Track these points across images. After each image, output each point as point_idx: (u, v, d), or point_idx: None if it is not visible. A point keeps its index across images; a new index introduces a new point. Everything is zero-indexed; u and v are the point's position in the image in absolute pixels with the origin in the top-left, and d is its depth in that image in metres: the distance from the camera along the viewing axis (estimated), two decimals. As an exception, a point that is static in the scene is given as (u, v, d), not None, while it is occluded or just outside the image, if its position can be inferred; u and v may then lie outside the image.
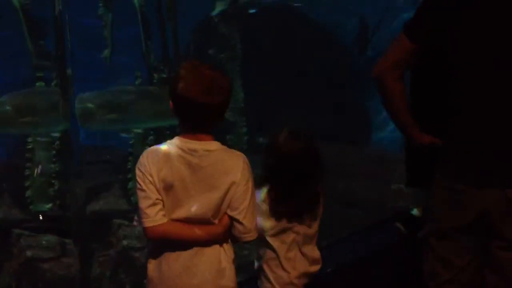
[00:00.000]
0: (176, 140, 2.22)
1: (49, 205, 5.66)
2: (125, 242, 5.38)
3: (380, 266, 3.47)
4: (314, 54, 7.29)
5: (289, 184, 2.43)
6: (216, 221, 2.22)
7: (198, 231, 2.20)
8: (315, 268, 2.55)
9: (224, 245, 2.27)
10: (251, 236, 2.25)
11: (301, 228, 2.48)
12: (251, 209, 2.23)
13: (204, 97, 2.13)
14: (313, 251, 2.53)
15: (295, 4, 7.36)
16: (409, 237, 3.46)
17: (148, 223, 2.17)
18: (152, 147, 2.26)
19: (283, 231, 2.46)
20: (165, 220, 2.18)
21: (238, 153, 2.28)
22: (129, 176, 5.74)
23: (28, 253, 5.35)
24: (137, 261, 5.22)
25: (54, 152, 5.70)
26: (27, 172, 5.66)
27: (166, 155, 2.19)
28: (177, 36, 6.32)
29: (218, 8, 6.97)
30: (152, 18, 6.27)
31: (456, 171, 2.36)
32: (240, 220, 2.21)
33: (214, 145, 2.23)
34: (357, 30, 8.28)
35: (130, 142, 5.92)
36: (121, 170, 6.00)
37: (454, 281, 2.46)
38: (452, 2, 2.29)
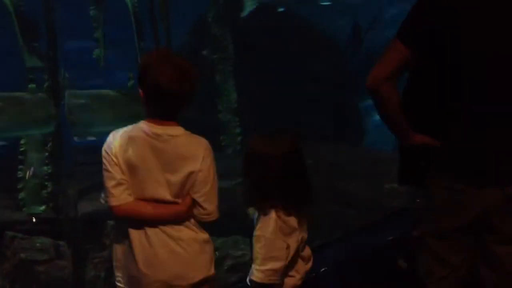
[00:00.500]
0: (142, 124, 2.32)
1: (43, 207, 5.64)
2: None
3: (373, 265, 3.48)
4: (307, 54, 7.29)
5: (271, 184, 2.31)
6: (179, 201, 2.32)
7: (162, 209, 2.30)
8: (310, 265, 2.55)
9: (191, 225, 2.38)
10: (211, 217, 2.37)
11: (301, 233, 2.44)
12: (212, 192, 2.34)
13: (173, 85, 2.22)
14: (307, 250, 2.54)
15: (279, 10, 7.35)
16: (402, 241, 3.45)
17: (113, 201, 2.27)
18: (118, 130, 2.34)
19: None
20: (130, 199, 2.27)
21: (201, 138, 2.37)
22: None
23: (22, 255, 5.32)
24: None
25: (46, 154, 5.67)
26: (19, 175, 5.63)
27: (131, 138, 2.29)
28: (170, 37, 6.31)
29: (248, 7, 7.00)
30: (145, 19, 6.26)
31: (456, 171, 2.36)
32: (201, 203, 2.32)
33: (178, 130, 2.32)
34: (349, 30, 8.29)
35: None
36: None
37: (449, 278, 2.47)
38: (445, 3, 2.29)
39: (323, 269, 3.32)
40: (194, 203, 2.34)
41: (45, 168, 5.65)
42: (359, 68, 8.10)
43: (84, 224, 5.55)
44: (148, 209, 2.30)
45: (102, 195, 2.35)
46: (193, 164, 2.30)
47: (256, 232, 2.33)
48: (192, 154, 2.31)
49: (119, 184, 2.27)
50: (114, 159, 2.28)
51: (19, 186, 5.61)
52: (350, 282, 3.34)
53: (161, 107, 2.29)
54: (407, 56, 2.32)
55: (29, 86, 5.80)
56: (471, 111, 2.32)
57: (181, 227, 2.36)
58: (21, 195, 5.61)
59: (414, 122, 2.43)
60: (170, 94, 2.24)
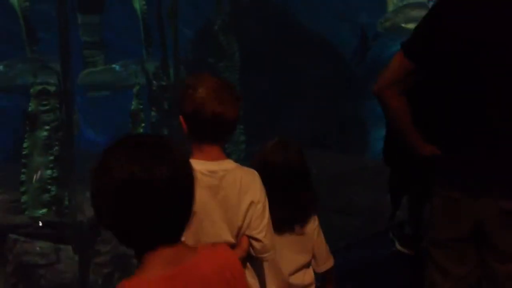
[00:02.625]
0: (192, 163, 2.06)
1: (44, 211, 5.64)
2: (123, 248, 5.35)
3: (379, 275, 3.47)
4: (313, 63, 7.31)
5: (277, 193, 2.29)
6: (234, 241, 2.09)
7: None
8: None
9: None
10: (271, 254, 2.13)
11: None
12: (269, 226, 2.13)
13: (223, 107, 2.00)
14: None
15: None
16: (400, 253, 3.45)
17: None
18: None
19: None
20: None
21: (252, 170, 2.16)
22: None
23: (24, 258, 5.33)
24: (133, 267, 5.19)
25: (52, 157, 5.69)
26: (22, 178, 5.65)
27: None
28: (178, 44, 6.33)
29: None
30: (153, 25, 6.30)
31: (453, 180, 2.37)
32: (261, 239, 2.09)
33: (230, 164, 2.10)
34: (354, 39, 8.31)
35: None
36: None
37: None
38: (450, 21, 2.31)
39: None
40: (250, 243, 2.09)
41: (49, 171, 5.65)
42: (365, 75, 8.14)
43: (89, 228, 5.54)
44: None
45: None
46: (250, 197, 2.07)
47: None
48: (248, 188, 2.08)
49: None
50: None
51: (22, 189, 5.62)
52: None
53: (207, 135, 2.04)
54: (410, 68, 2.35)
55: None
56: (467, 120, 2.33)
57: None
58: (24, 198, 5.61)
59: (422, 133, 2.44)
60: (216, 118, 2.00)
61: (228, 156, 2.18)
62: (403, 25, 7.65)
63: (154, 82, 6.23)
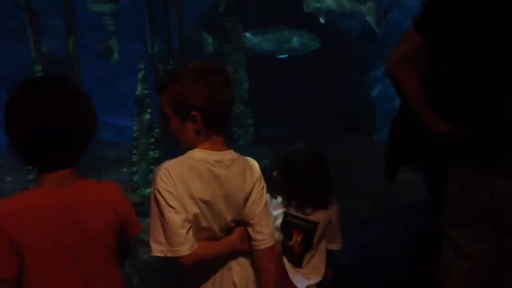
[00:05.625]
0: (197, 153, 2.09)
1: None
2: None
3: (395, 257, 3.46)
4: (320, 44, 7.24)
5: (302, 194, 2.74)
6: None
7: (223, 245, 2.12)
8: None
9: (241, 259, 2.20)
10: (267, 242, 2.16)
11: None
12: (265, 214, 2.17)
13: (223, 94, 2.06)
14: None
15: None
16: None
17: (185, 250, 2.00)
18: (171, 164, 2.07)
19: None
20: (196, 243, 2.04)
21: (253, 159, 2.22)
22: (134, 169, 5.87)
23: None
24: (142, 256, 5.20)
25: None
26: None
27: (194, 171, 2.04)
28: (183, 27, 6.29)
29: None
30: (158, 9, 6.25)
31: (469, 159, 2.34)
32: (255, 226, 2.15)
33: (232, 154, 2.15)
34: (361, 21, 8.21)
35: (134, 135, 5.96)
36: (126, 163, 6.04)
37: (469, 271, 2.43)
38: None
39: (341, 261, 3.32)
40: (247, 231, 2.16)
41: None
42: (373, 58, 8.06)
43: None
44: (213, 249, 2.09)
45: (152, 245, 2.02)
46: (249, 186, 2.14)
47: None
48: (250, 177, 2.15)
49: (182, 227, 1.99)
50: (179, 198, 2.00)
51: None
52: (366, 275, 3.31)
53: (213, 123, 2.08)
54: (421, 45, 2.32)
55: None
56: (483, 100, 2.30)
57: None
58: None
59: (437, 112, 2.40)
60: (221, 104, 2.06)
61: (237, 140, 2.26)
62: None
63: (160, 66, 6.18)
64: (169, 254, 2.01)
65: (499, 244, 2.39)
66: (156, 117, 5.90)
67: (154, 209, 2.04)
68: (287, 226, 2.79)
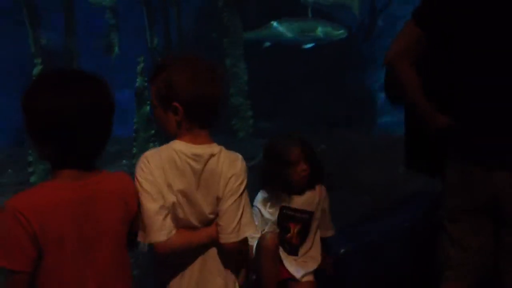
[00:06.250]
0: (176, 145, 2.08)
1: None
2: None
3: (393, 250, 3.46)
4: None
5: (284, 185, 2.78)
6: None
7: (201, 236, 2.11)
8: None
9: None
10: (229, 238, 2.10)
11: None
12: (233, 212, 2.10)
13: (208, 88, 2.04)
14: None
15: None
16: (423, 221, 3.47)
17: (160, 237, 2.01)
18: (151, 153, 2.08)
19: None
20: (175, 230, 2.05)
21: (237, 154, 2.17)
22: (134, 162, 5.81)
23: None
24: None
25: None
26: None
27: (172, 162, 2.05)
28: (181, 21, 6.27)
29: None
30: (156, 2, 6.23)
31: (467, 152, 2.34)
32: (218, 219, 2.11)
33: (217, 147, 2.12)
34: (361, 12, 8.18)
35: (134, 127, 5.97)
36: (126, 156, 6.05)
37: (466, 264, 2.44)
38: None
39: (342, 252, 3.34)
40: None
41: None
42: (371, 51, 8.04)
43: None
44: (193, 238, 2.08)
45: (139, 232, 2.02)
46: (225, 180, 2.10)
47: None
48: (228, 171, 2.10)
49: (165, 214, 2.01)
50: (157, 185, 2.00)
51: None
52: (364, 268, 3.32)
53: (195, 118, 2.05)
54: (420, 36, 2.32)
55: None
56: (482, 93, 2.29)
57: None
58: (32, 179, 5.70)
59: (435, 105, 2.40)
60: (204, 99, 2.03)
61: (236, 132, 2.23)
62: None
63: (159, 59, 6.18)
64: (147, 241, 2.03)
65: (497, 237, 2.39)
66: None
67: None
68: (284, 220, 2.83)
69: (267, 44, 7.08)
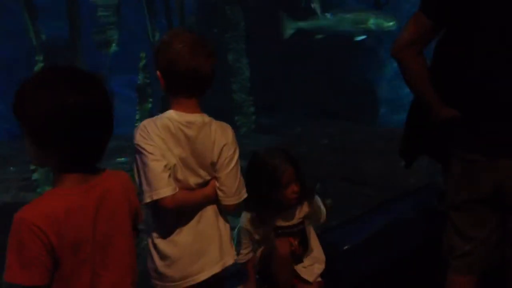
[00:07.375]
0: (170, 114, 2.20)
1: None
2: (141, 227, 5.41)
3: (398, 240, 3.46)
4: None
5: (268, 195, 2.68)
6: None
7: (199, 195, 2.24)
8: None
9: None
10: (230, 200, 2.27)
11: None
12: (232, 176, 2.26)
13: (197, 60, 2.12)
14: None
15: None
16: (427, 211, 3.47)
17: (168, 191, 2.13)
18: (147, 121, 2.21)
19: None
20: (177, 188, 2.17)
21: (226, 124, 2.31)
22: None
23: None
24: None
25: None
26: None
27: (166, 129, 2.17)
28: (183, 16, 6.26)
29: None
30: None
31: (472, 142, 2.34)
32: (219, 185, 2.25)
33: (207, 117, 2.25)
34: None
35: (135, 124, 5.97)
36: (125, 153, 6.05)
37: (471, 254, 2.43)
38: None
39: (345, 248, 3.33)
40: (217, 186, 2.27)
41: None
42: (373, 44, 8.02)
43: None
44: (192, 196, 2.21)
45: (143, 196, 2.12)
46: (220, 148, 2.23)
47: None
48: (221, 139, 2.23)
49: (168, 173, 2.13)
50: (159, 147, 2.12)
51: (32, 166, 5.63)
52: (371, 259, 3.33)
53: (186, 88, 2.17)
54: (429, 27, 2.31)
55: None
56: (486, 82, 2.29)
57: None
58: (35, 175, 5.69)
59: (441, 96, 2.39)
60: (193, 71, 2.13)
61: (239, 128, 2.26)
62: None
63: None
64: (154, 197, 2.11)
65: (502, 226, 2.38)
66: (158, 106, 5.88)
67: (137, 165, 2.16)
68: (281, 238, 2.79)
69: (320, 36, 7.08)
